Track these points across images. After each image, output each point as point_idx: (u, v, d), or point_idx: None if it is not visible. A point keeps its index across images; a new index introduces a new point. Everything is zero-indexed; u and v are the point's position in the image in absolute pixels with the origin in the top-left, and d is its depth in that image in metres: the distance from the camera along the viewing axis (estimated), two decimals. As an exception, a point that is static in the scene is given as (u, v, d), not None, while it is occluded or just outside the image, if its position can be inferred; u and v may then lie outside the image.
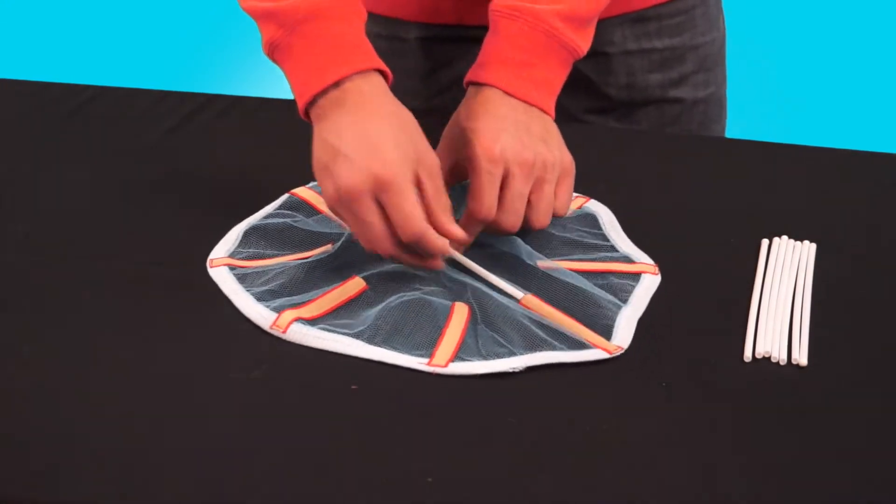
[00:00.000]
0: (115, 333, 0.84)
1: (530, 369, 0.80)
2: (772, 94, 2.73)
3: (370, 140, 0.85)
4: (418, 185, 0.85)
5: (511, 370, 0.80)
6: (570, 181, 0.92)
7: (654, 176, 1.07)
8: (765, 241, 0.96)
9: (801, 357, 0.82)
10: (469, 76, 0.95)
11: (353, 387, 0.79)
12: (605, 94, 1.20)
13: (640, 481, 0.72)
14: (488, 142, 0.89)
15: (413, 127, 0.88)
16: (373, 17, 1.19)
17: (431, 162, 0.87)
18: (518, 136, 0.89)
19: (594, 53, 1.17)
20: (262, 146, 1.11)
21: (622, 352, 0.83)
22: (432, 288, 0.88)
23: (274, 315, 0.84)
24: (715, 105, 1.24)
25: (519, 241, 0.92)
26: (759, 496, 0.71)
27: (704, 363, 0.82)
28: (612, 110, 1.21)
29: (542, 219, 0.90)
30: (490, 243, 0.93)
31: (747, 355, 0.83)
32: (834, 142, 1.20)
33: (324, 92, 0.88)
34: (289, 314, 0.84)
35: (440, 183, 0.87)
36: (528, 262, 0.91)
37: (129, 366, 0.80)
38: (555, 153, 0.90)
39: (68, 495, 0.70)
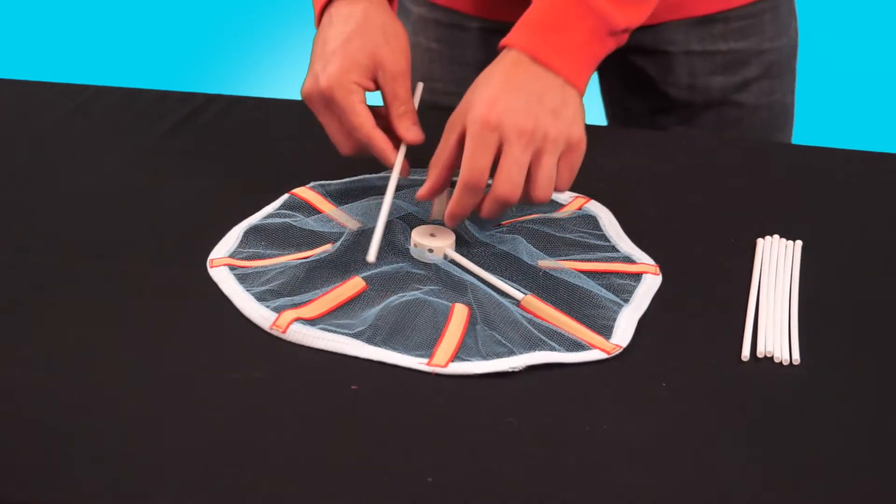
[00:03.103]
0: (115, 334, 0.84)
1: (530, 369, 0.80)
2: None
3: (326, 50, 0.92)
4: (380, 89, 0.93)
5: (511, 370, 0.80)
6: (574, 157, 0.88)
7: (655, 176, 1.07)
8: (759, 241, 0.96)
9: (799, 356, 0.83)
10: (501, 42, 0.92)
11: (353, 387, 0.79)
12: (665, 94, 1.20)
13: (640, 481, 0.72)
14: (485, 106, 0.86)
15: (382, 33, 0.92)
16: (434, 7, 1.19)
17: (393, 68, 0.93)
18: (522, 102, 0.86)
19: (656, 51, 1.18)
20: (262, 146, 1.11)
21: (620, 350, 0.83)
22: (432, 288, 0.88)
23: (274, 315, 0.84)
24: (779, 112, 1.22)
25: (520, 240, 0.92)
26: (759, 496, 0.71)
27: (704, 363, 0.82)
28: (672, 111, 1.21)
29: (540, 192, 0.87)
30: (491, 243, 0.93)
31: (745, 355, 0.83)
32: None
33: (328, 4, 0.95)
34: (289, 314, 0.84)
35: (398, 87, 0.93)
36: (529, 262, 0.91)
37: (129, 366, 0.80)
38: (561, 126, 0.87)
39: (68, 495, 0.70)
